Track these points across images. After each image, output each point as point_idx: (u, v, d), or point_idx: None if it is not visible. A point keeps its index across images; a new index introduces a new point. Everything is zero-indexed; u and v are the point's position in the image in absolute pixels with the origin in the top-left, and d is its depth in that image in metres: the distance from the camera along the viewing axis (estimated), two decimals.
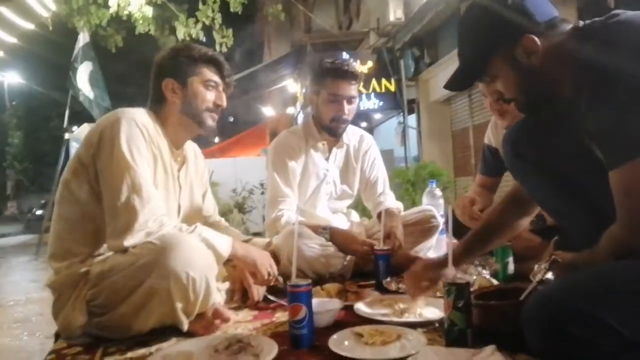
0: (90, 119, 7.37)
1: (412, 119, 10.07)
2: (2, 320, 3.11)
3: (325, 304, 1.39)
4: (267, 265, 1.51)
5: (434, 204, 2.46)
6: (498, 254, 1.70)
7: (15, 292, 4.09)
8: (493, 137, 2.13)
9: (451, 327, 1.10)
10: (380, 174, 2.26)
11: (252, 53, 18.24)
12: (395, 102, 10.10)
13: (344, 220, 2.26)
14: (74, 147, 7.54)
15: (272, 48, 14.98)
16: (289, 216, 1.97)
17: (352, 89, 2.05)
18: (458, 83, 1.21)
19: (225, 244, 1.41)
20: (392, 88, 10.06)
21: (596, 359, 0.86)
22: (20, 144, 20.09)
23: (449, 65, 8.48)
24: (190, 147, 1.70)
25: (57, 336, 1.35)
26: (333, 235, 1.89)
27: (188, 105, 1.53)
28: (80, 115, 7.50)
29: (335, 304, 1.41)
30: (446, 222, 2.09)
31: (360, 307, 1.44)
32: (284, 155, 2.07)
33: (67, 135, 7.15)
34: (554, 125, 1.19)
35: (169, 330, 1.29)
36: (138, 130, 1.37)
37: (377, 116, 11.90)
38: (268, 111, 14.66)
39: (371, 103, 10.06)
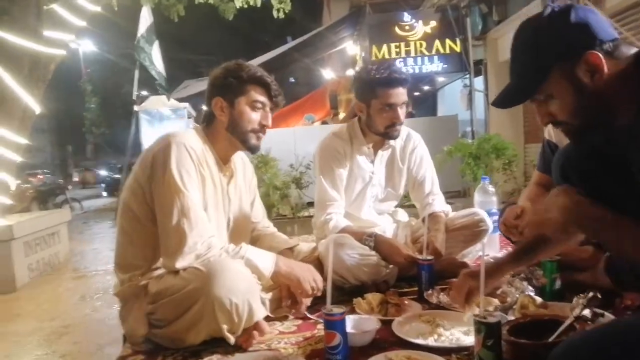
0: (156, 91, 7.75)
1: (478, 81, 9.61)
2: (85, 290, 3.43)
3: (362, 324, 1.43)
4: (310, 280, 1.56)
5: (486, 201, 2.40)
6: (546, 269, 1.64)
7: (96, 261, 4.49)
8: (554, 132, 2.00)
9: None
10: (428, 174, 2.23)
11: (312, 15, 17.97)
12: (460, 64, 9.63)
13: (389, 221, 2.26)
14: (143, 118, 7.99)
15: (331, 9, 14.64)
16: (337, 220, 2.01)
17: (404, 93, 2.02)
18: (509, 100, 1.14)
19: (268, 263, 1.49)
20: (457, 48, 9.58)
21: None
22: (96, 109, 21.60)
23: (520, 22, 7.95)
24: (239, 157, 1.77)
25: (125, 338, 1.52)
26: (377, 244, 1.91)
27: (234, 124, 1.58)
28: (148, 88, 7.87)
29: (372, 323, 1.44)
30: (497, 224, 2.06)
31: (398, 325, 1.46)
32: (330, 159, 2.09)
33: (135, 107, 7.56)
34: (604, 152, 1.13)
35: (219, 341, 1.42)
36: (187, 154, 1.45)
37: (440, 79, 11.46)
38: (327, 74, 14.53)
39: (434, 65, 9.67)
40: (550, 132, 2.06)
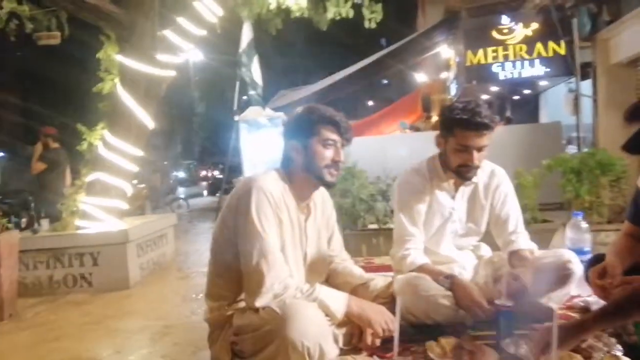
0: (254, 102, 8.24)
1: (585, 85, 8.91)
2: (186, 291, 3.80)
3: None
4: (381, 322, 1.61)
5: (578, 239, 2.27)
6: (638, 327, 1.53)
7: (198, 262, 4.93)
8: None
9: None
10: (512, 212, 2.13)
11: (407, 18, 17.78)
12: (564, 67, 8.99)
13: (470, 257, 2.22)
14: (242, 127, 8.53)
15: (426, 14, 14.39)
16: (414, 256, 2.01)
17: (484, 139, 1.95)
18: None
19: (340, 305, 1.58)
20: (562, 51, 8.97)
21: None
22: (203, 113, 23.57)
23: (636, 22, 7.25)
24: (319, 193, 1.87)
25: None
26: (454, 287, 1.86)
27: (309, 163, 1.70)
28: (247, 99, 8.39)
29: None
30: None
31: None
32: (408, 195, 2.10)
33: (236, 117, 8.12)
34: None
35: None
36: (265, 199, 1.60)
37: (542, 82, 10.77)
38: (420, 77, 14.32)
39: (535, 70, 9.15)
40: None
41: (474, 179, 2.08)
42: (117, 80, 4.59)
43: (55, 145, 5.28)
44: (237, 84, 7.94)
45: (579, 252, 2.16)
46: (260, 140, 8.73)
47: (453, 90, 11.77)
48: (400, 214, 2.09)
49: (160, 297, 3.71)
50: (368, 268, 2.96)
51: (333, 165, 1.72)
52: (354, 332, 1.72)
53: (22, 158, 7.02)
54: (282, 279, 1.55)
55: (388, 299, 1.83)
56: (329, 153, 1.70)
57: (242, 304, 1.64)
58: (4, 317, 3.27)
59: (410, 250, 2.03)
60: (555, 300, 1.95)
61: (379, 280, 1.93)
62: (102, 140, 4.47)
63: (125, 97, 4.49)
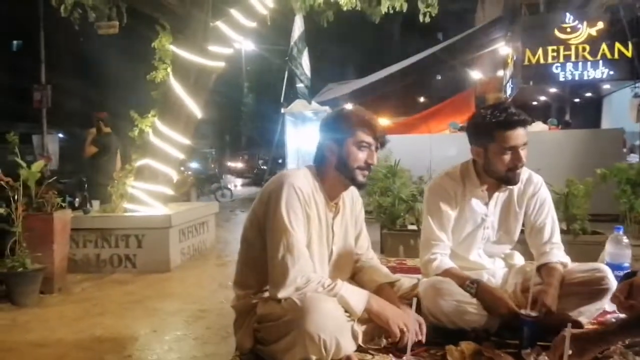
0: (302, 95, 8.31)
1: None
2: (223, 278, 3.87)
3: None
4: (399, 323, 1.61)
5: (618, 254, 2.16)
6: None
7: (237, 250, 5.03)
8: None
9: None
10: (548, 220, 2.06)
11: (465, 11, 17.29)
12: (630, 70, 8.50)
13: (501, 265, 2.15)
14: (288, 120, 8.65)
15: (485, 9, 13.95)
16: (441, 260, 1.98)
17: (525, 134, 1.92)
18: None
19: (360, 302, 1.60)
20: (629, 53, 8.46)
21: None
22: (252, 104, 23.98)
23: None
24: (349, 192, 1.89)
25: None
26: (480, 292, 1.84)
27: (342, 164, 1.73)
28: (295, 91, 8.47)
29: None
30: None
31: None
32: (439, 200, 2.07)
33: (282, 110, 8.24)
34: None
35: None
36: (295, 195, 1.64)
37: (606, 86, 10.19)
38: (476, 75, 13.90)
39: (598, 72, 8.69)
40: None
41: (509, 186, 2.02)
42: (169, 69, 4.75)
43: (107, 130, 5.52)
44: (286, 76, 8.04)
45: (618, 267, 2.05)
46: (305, 134, 8.81)
47: (509, 90, 11.35)
48: (429, 217, 2.07)
49: (198, 282, 3.83)
50: (399, 269, 2.94)
51: (366, 167, 1.74)
52: (376, 330, 1.72)
53: (79, 141, 7.42)
54: (306, 273, 1.59)
55: (410, 300, 1.81)
56: (362, 155, 1.72)
57: (267, 294, 1.69)
58: (53, 290, 3.49)
59: (437, 255, 2.01)
60: (586, 315, 1.89)
61: (404, 281, 1.94)
62: (152, 127, 4.64)
63: (176, 87, 4.64)
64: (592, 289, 1.86)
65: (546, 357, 1.54)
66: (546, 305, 1.74)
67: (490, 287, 1.88)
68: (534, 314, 1.67)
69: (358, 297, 1.61)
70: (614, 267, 2.06)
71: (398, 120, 12.81)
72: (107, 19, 5.29)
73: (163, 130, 4.57)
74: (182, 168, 10.05)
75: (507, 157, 1.91)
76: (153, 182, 4.47)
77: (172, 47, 4.74)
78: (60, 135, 16.24)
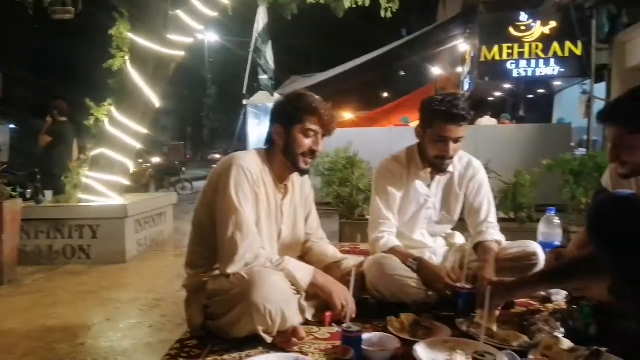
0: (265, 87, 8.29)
1: (599, 88, 8.81)
2: (180, 268, 3.80)
3: (384, 342, 1.57)
4: (342, 298, 1.71)
5: (550, 233, 2.33)
6: (583, 313, 1.63)
7: None
8: (611, 181, 1.91)
9: None
10: (485, 202, 2.22)
11: (427, 8, 17.62)
12: (580, 68, 8.91)
13: (442, 244, 2.29)
14: (250, 111, 8.63)
15: (446, 6, 14.27)
16: (387, 239, 2.09)
17: (461, 130, 2.03)
18: None
19: (305, 276, 1.68)
20: (578, 52, 8.87)
21: None
22: (215, 96, 23.71)
23: None
24: (297, 177, 1.95)
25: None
26: (420, 268, 1.96)
27: (287, 148, 1.80)
28: (258, 83, 8.44)
29: (393, 343, 1.56)
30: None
31: (420, 347, 1.54)
32: (386, 181, 2.18)
33: (244, 101, 8.20)
34: None
35: (260, 338, 1.64)
36: (244, 176, 1.70)
37: (557, 82, 10.65)
38: (436, 70, 14.24)
39: (550, 69, 9.07)
40: (608, 181, 1.95)
41: (450, 169, 2.15)
42: (127, 57, 4.66)
43: (62, 119, 5.37)
44: (248, 67, 8.01)
45: (549, 245, 2.23)
46: (268, 126, 8.79)
47: (466, 85, 11.69)
48: (377, 198, 2.18)
49: (154, 272, 3.81)
50: (352, 252, 3.05)
51: (309, 154, 1.80)
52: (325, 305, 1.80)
53: (33, 132, 7.16)
54: (254, 249, 1.66)
55: (358, 277, 1.90)
56: (308, 142, 1.78)
57: (217, 272, 1.75)
58: (3, 282, 3.40)
59: (384, 234, 2.12)
60: (556, 297, 2.05)
61: (350, 260, 2.03)
62: (108, 116, 4.55)
63: (134, 75, 4.56)
64: (523, 264, 2.02)
65: (472, 328, 1.69)
66: (486, 278, 1.86)
67: (429, 264, 2.01)
68: (468, 286, 1.80)
69: (304, 272, 1.69)
70: (546, 245, 2.22)
71: (361, 114, 12.99)
72: (62, 5, 5.13)
73: (120, 119, 4.49)
74: (140, 160, 9.88)
75: (437, 145, 2.03)
76: (109, 172, 4.39)
77: (130, 35, 4.65)
78: (12, 126, 15.56)
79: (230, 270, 1.62)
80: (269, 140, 1.86)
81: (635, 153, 1.53)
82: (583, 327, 1.63)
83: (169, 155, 15.57)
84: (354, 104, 14.02)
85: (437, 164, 2.10)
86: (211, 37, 18.40)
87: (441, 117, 2.00)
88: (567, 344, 1.50)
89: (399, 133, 7.94)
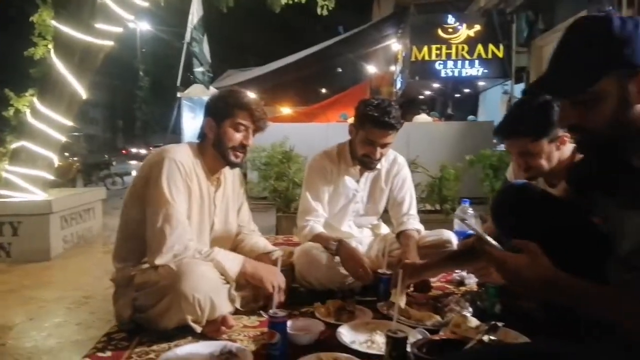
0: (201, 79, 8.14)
1: (519, 89, 9.45)
2: (110, 265, 3.75)
3: (308, 326, 1.67)
4: (272, 280, 1.77)
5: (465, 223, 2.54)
6: (488, 293, 1.82)
7: None
8: (514, 175, 2.13)
9: None
10: (407, 196, 2.38)
11: (363, 6, 18.00)
12: (501, 70, 9.52)
13: (368, 234, 2.44)
14: (185, 105, 8.45)
15: (381, 6, 14.68)
16: (312, 227, 2.20)
17: (389, 137, 2.14)
18: (557, 90, 1.08)
19: (234, 265, 1.74)
20: (500, 54, 9.47)
21: None
22: (148, 88, 22.76)
23: None
24: (229, 170, 2.00)
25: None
26: (340, 250, 2.05)
27: (218, 142, 1.84)
28: (193, 75, 8.27)
29: (317, 326, 1.68)
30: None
31: (343, 330, 1.67)
32: (316, 176, 2.28)
33: (178, 94, 8.01)
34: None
35: (190, 329, 1.68)
36: (176, 168, 1.73)
37: (482, 83, 11.33)
38: (371, 69, 14.61)
39: (475, 70, 9.61)
40: (511, 174, 2.18)
41: (378, 166, 2.28)
42: (50, 46, 4.43)
43: None
44: (183, 59, 7.82)
45: (463, 234, 2.43)
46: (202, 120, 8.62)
47: (399, 84, 12.12)
48: (307, 191, 2.27)
49: (82, 270, 3.69)
50: (285, 244, 3.15)
51: (240, 148, 1.85)
52: (254, 294, 1.86)
53: None
54: (183, 240, 1.68)
55: (287, 267, 2.00)
56: (238, 136, 1.84)
57: (145, 265, 1.76)
58: None
59: (310, 222, 2.21)
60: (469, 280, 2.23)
61: (279, 251, 2.10)
62: (30, 107, 4.32)
63: (59, 65, 4.35)
64: (439, 251, 2.19)
65: (392, 311, 1.81)
66: (407, 262, 2.01)
67: (348, 246, 2.09)
68: (389, 272, 1.94)
69: (233, 262, 1.74)
70: (461, 233, 2.43)
71: (300, 109, 13.07)
72: None
73: (43, 111, 4.27)
74: (66, 154, 9.36)
75: (366, 146, 2.15)
76: (31, 166, 4.17)
77: (54, 23, 4.43)
78: None
79: (159, 261, 1.64)
80: (202, 134, 1.89)
81: (538, 158, 1.75)
82: (489, 306, 1.81)
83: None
84: (293, 99, 14.08)
85: (364, 162, 2.21)
86: (144, 27, 17.69)
87: (373, 122, 2.09)
88: (474, 322, 1.67)
89: (336, 129, 8.10)
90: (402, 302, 1.75)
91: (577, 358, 0.92)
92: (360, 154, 2.19)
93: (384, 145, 2.16)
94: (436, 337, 1.49)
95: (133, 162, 18.63)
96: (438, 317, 1.77)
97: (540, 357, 0.95)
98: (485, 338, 1.30)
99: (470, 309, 1.81)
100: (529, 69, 9.20)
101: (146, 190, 1.73)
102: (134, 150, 22.13)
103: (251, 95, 1.92)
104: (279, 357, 1.46)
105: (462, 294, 1.99)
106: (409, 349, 1.37)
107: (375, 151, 2.14)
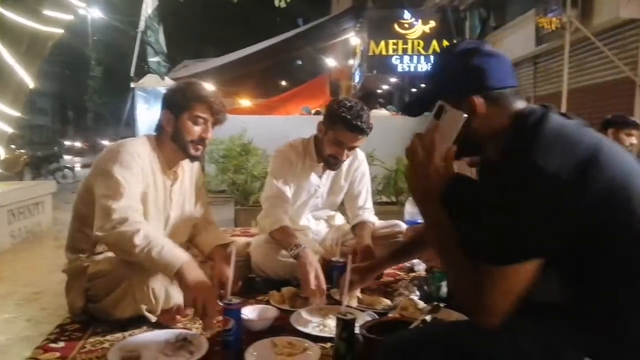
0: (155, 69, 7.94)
1: None
2: (60, 260, 3.65)
3: (263, 313, 1.74)
4: (200, 298, 1.54)
5: (415, 212, 2.64)
6: (435, 277, 1.92)
7: None
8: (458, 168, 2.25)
9: (336, 351, 1.42)
10: (364, 190, 2.44)
11: (321, 3, 18.03)
12: None
13: (324, 226, 2.51)
14: (139, 95, 8.21)
15: (340, 0, 14.77)
16: (280, 217, 2.16)
17: (359, 141, 2.18)
18: (409, 108, 1.32)
19: (172, 265, 1.55)
20: None
21: None
22: (100, 78, 21.81)
23: (516, 29, 8.10)
24: (187, 163, 1.99)
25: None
26: (298, 259, 1.96)
27: (177, 135, 1.82)
28: (147, 65, 8.04)
29: (271, 313, 1.74)
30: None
31: (297, 315, 1.74)
32: (283, 166, 2.27)
33: (132, 84, 7.77)
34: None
35: (145, 318, 1.69)
36: (132, 158, 1.71)
37: None
38: (331, 62, 14.68)
39: (430, 65, 9.84)
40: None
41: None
42: None
43: None
44: (137, 48, 7.59)
45: (414, 222, 2.54)
46: (158, 111, 8.36)
47: (357, 77, 12.27)
48: (273, 178, 2.26)
49: (31, 265, 3.58)
50: (243, 236, 3.18)
51: (199, 141, 1.84)
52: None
53: None
54: (127, 212, 1.63)
55: (243, 257, 2.04)
56: (197, 129, 1.83)
57: (99, 257, 1.75)
58: None
59: (279, 209, 2.20)
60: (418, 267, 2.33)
61: (237, 241, 2.13)
62: None
63: (4, 53, 4.18)
64: (392, 241, 2.28)
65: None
66: (364, 251, 2.10)
67: (307, 259, 1.96)
68: (342, 260, 2.00)
69: (174, 260, 1.59)
70: (411, 222, 2.54)
71: (259, 102, 12.99)
72: None
73: None
74: (12, 146, 8.97)
75: (334, 147, 2.18)
76: None
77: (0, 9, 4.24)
78: None
79: (100, 232, 1.59)
80: (159, 127, 1.87)
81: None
82: (435, 290, 1.92)
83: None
84: (252, 91, 13.97)
85: (329, 163, 2.24)
86: (95, 14, 16.98)
87: (345, 124, 2.10)
88: (420, 304, 1.77)
89: (295, 122, 8.11)
90: (353, 302, 1.82)
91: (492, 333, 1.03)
92: (328, 153, 2.21)
93: (351, 148, 2.20)
94: (384, 319, 1.58)
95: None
96: (388, 301, 1.86)
97: (467, 329, 1.08)
98: (428, 318, 1.39)
99: (418, 293, 1.92)
100: None
101: (98, 182, 1.70)
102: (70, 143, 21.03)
103: (209, 87, 1.92)
104: (234, 342, 1.51)
105: (410, 280, 2.10)
106: (357, 330, 1.44)
107: (342, 153, 2.18)
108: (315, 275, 1.90)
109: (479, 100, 1.10)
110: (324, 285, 1.89)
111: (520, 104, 1.14)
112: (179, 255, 1.60)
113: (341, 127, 2.12)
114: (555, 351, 0.99)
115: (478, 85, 1.12)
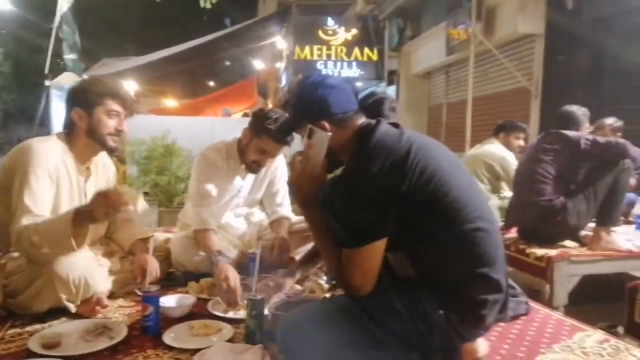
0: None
1: (391, 90, 10.32)
2: None
3: (180, 300, 1.89)
4: (107, 204, 1.64)
5: None
6: None
7: None
8: None
9: (247, 328, 1.59)
10: (282, 188, 2.62)
11: (248, 5, 18.02)
12: (376, 72, 10.29)
13: (243, 222, 2.66)
14: (54, 94, 7.85)
15: (266, 2, 14.88)
16: (206, 219, 2.25)
17: (282, 150, 2.35)
18: (280, 134, 1.84)
19: (67, 213, 1.68)
20: (374, 57, 10.23)
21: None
22: (9, 74, 20.12)
23: (430, 40, 8.66)
24: (101, 158, 2.07)
25: None
26: (216, 268, 1.99)
27: (93, 130, 1.89)
28: (63, 62, 7.72)
29: (189, 300, 1.88)
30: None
31: (214, 302, 1.90)
32: (205, 169, 2.37)
33: (47, 82, 7.42)
34: None
35: (66, 310, 1.76)
36: (42, 159, 1.77)
37: (358, 84, 12.13)
38: (258, 64, 14.74)
39: (352, 71, 10.27)
40: None
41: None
42: None
43: None
44: (52, 43, 7.24)
45: None
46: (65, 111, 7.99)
47: (284, 80, 12.47)
48: (198, 179, 2.36)
49: None
50: (164, 232, 3.24)
51: (116, 133, 1.93)
52: (134, 274, 1.98)
53: None
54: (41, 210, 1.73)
55: (163, 253, 2.16)
56: (112, 122, 1.91)
57: (15, 254, 1.79)
58: None
59: (206, 211, 2.29)
60: (300, 254, 2.51)
61: (158, 236, 2.24)
62: None
63: None
64: (305, 235, 2.45)
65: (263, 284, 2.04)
66: (282, 246, 2.31)
67: (224, 270, 1.98)
68: (256, 252, 2.16)
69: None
70: None
71: (185, 102, 12.77)
72: None
73: None
74: None
75: (258, 154, 2.33)
76: None
77: None
78: None
79: (16, 227, 1.66)
80: (69, 124, 1.91)
81: None
82: None
83: None
84: (179, 91, 13.69)
85: (252, 168, 2.38)
86: (4, 5, 15.78)
87: (271, 135, 2.23)
88: (326, 287, 2.00)
89: (222, 124, 8.10)
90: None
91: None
92: (252, 159, 2.34)
93: (274, 156, 2.36)
94: (290, 300, 1.77)
95: None
96: (298, 286, 2.06)
97: (352, 299, 1.34)
98: (328, 295, 1.61)
99: (325, 278, 2.13)
100: (398, 72, 10.11)
101: (13, 182, 1.73)
102: None
103: (116, 81, 2.00)
104: (153, 327, 1.63)
105: (320, 267, 2.30)
106: (266, 311, 1.63)
107: (265, 160, 2.33)
108: (228, 289, 1.91)
109: (326, 124, 1.39)
110: (238, 297, 1.91)
111: (360, 121, 1.43)
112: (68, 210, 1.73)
113: (267, 138, 2.27)
114: (421, 309, 1.31)
115: (324, 112, 1.39)
